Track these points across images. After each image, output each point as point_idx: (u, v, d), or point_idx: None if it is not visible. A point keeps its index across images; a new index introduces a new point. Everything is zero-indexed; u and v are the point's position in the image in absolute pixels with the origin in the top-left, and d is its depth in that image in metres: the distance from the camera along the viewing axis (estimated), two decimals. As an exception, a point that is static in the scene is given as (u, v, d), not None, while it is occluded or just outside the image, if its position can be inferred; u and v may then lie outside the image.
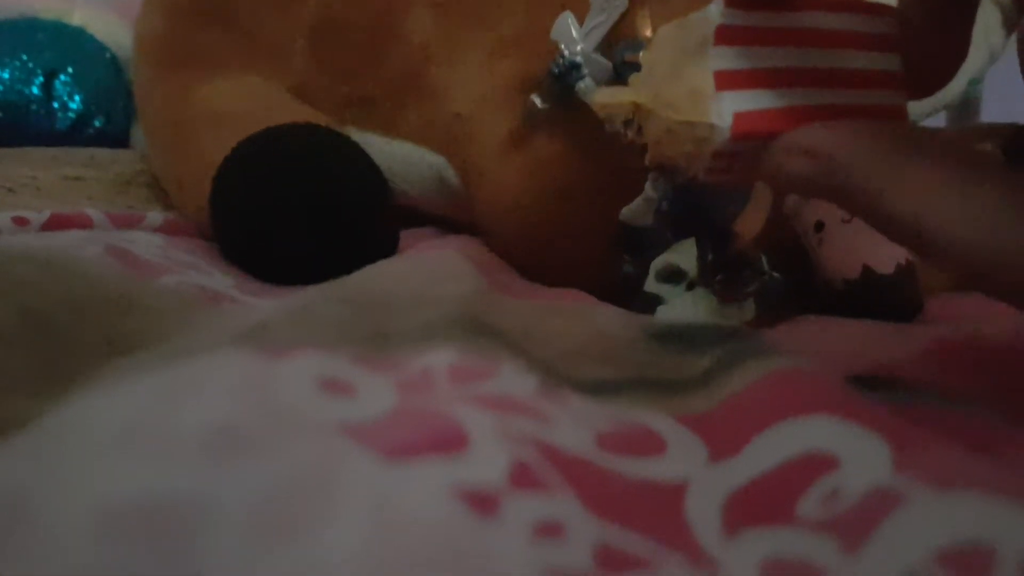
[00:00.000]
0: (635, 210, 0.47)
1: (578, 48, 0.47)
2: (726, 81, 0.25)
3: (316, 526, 0.16)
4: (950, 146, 0.24)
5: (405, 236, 0.56)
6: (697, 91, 0.25)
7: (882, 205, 0.23)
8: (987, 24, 0.54)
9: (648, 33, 0.44)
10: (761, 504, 0.21)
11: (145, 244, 0.42)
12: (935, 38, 0.28)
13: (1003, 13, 0.53)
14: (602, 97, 0.29)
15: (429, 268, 0.35)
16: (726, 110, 0.25)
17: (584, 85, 0.47)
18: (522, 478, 0.19)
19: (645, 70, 0.27)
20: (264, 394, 0.20)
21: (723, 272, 0.43)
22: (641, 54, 0.28)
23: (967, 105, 0.85)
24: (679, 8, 0.47)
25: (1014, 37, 0.55)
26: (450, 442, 0.20)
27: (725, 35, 0.25)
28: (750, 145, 0.25)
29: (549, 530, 0.18)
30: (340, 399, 0.21)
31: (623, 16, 0.47)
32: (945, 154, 0.23)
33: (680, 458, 0.23)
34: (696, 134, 0.26)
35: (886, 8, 0.27)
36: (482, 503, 0.18)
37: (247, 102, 0.57)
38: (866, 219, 0.24)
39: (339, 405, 0.21)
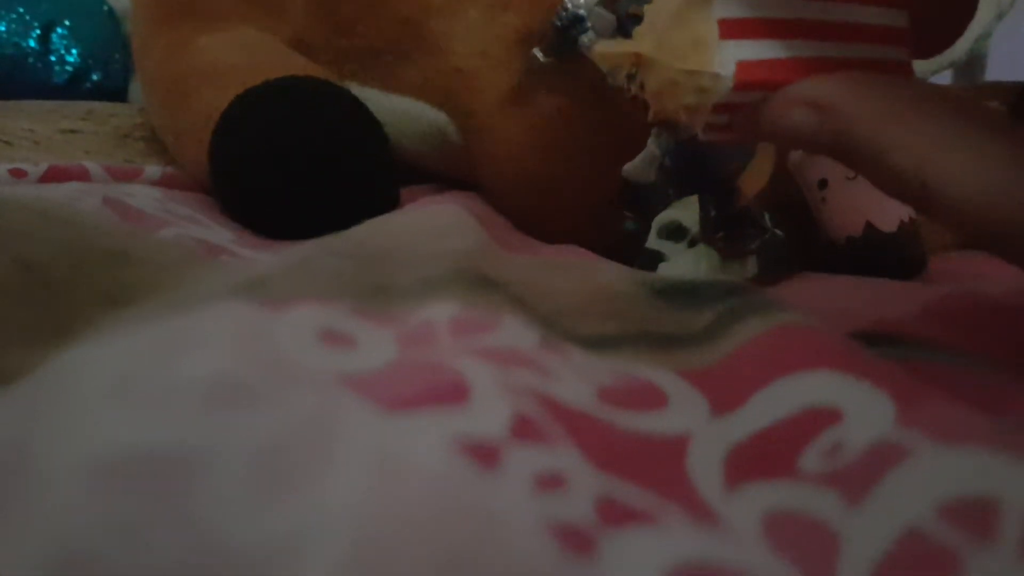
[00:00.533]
0: (637, 166, 0.46)
1: (581, 1, 0.47)
2: (730, 30, 0.25)
3: (316, 476, 0.16)
4: (956, 101, 0.23)
5: (406, 192, 0.55)
6: (700, 40, 0.25)
7: (885, 159, 0.23)
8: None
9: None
10: (763, 458, 0.21)
11: (143, 197, 0.42)
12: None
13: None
14: (603, 47, 0.28)
15: (430, 222, 0.35)
16: (729, 59, 0.24)
17: (588, 38, 0.47)
18: (524, 430, 0.19)
19: (647, 20, 0.27)
20: (263, 345, 0.20)
21: (725, 229, 0.43)
22: (645, 6, 0.27)
23: (973, 63, 0.85)
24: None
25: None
26: (451, 394, 0.19)
27: None
28: (751, 97, 0.25)
29: (551, 482, 0.18)
30: (340, 350, 0.21)
31: (627, -34, 0.46)
32: (950, 109, 0.23)
33: (682, 412, 0.23)
34: (699, 83, 0.25)
35: None
36: (484, 455, 0.18)
37: (246, 55, 0.56)
38: (868, 174, 0.24)
39: (339, 356, 0.21)
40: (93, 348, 0.20)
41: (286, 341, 0.21)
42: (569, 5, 0.47)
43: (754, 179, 0.43)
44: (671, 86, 0.26)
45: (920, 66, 0.56)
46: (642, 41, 0.27)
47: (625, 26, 0.44)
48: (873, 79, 0.24)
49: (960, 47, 0.55)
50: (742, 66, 0.24)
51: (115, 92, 0.85)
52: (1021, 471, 0.18)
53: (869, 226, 0.43)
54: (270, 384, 0.18)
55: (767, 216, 0.44)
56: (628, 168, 0.46)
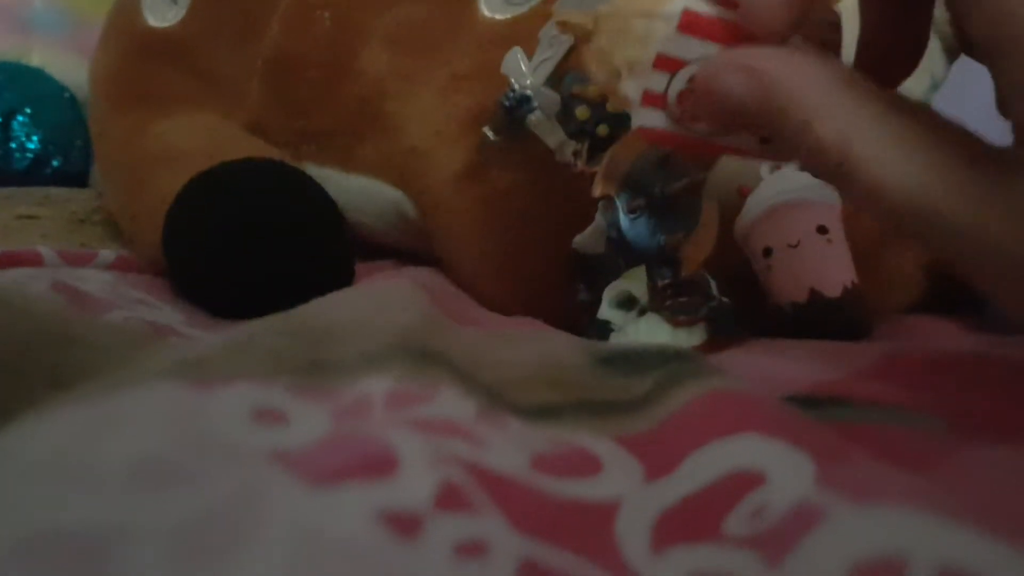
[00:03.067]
0: (587, 238, 0.47)
1: (528, 82, 0.48)
2: None
3: (237, 552, 0.16)
4: (888, 91, 0.24)
5: (364, 268, 0.56)
6: None
7: (809, 129, 0.23)
8: (928, 52, 0.55)
9: (593, 67, 0.45)
10: (690, 522, 0.21)
11: (95, 281, 0.42)
12: (890, 33, 0.28)
13: (943, 41, 0.54)
14: (563, 13, 0.29)
15: (376, 297, 0.36)
16: (678, 6, 0.25)
17: (535, 117, 0.48)
18: (448, 499, 0.19)
19: None
20: (193, 424, 0.20)
21: (673, 298, 0.43)
22: None
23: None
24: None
25: (955, 65, 0.57)
26: (379, 466, 0.20)
27: None
28: (691, 53, 0.25)
29: (471, 549, 0.18)
30: (272, 428, 0.21)
31: (569, 51, 0.47)
32: (881, 95, 0.23)
33: (615, 478, 0.23)
34: (646, 29, 0.26)
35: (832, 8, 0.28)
36: (405, 526, 0.18)
37: (202, 138, 0.57)
38: (789, 146, 0.24)
39: (271, 433, 0.21)
40: (27, 427, 0.20)
41: (217, 420, 0.21)
42: (516, 86, 0.48)
43: (698, 248, 0.44)
44: (619, 36, 0.26)
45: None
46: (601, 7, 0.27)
47: (568, 105, 0.46)
48: (811, 55, 0.24)
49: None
50: (688, 12, 0.25)
51: (76, 177, 0.85)
52: (933, 527, 0.18)
53: (813, 292, 0.44)
54: (196, 462, 0.19)
55: (713, 284, 0.44)
56: (578, 240, 0.47)
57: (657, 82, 0.26)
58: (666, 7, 0.25)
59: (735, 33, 0.25)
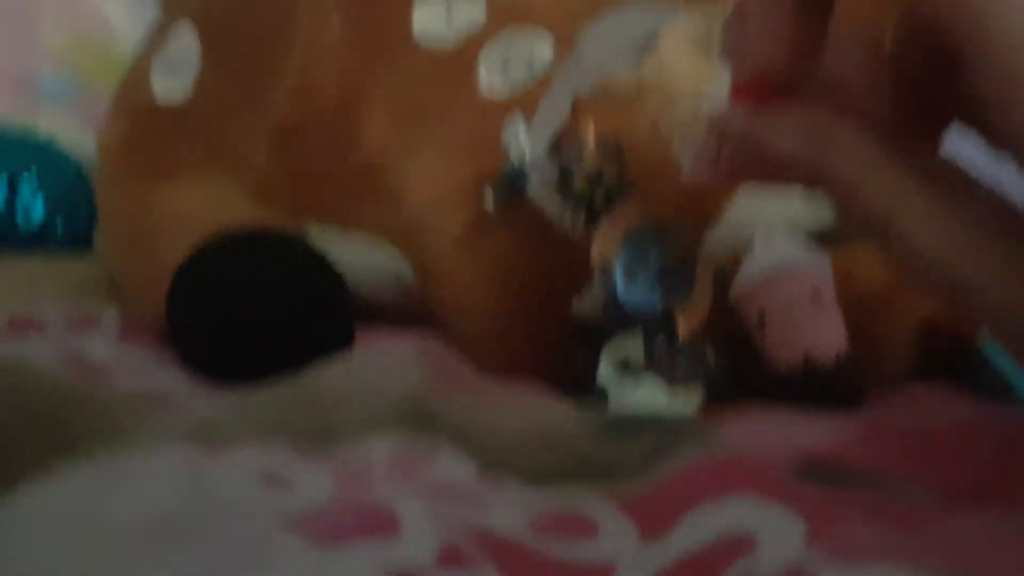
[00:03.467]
0: (585, 303, 0.48)
1: (527, 152, 0.49)
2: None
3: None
4: (935, 161, 0.24)
5: (364, 332, 0.57)
6: (698, 68, 0.26)
7: (859, 193, 0.23)
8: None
9: (591, 138, 0.46)
10: (685, 583, 0.22)
11: (99, 347, 0.43)
12: (918, 104, 0.27)
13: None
14: (611, 79, 0.29)
15: (376, 363, 0.36)
16: (725, 78, 0.25)
17: (534, 186, 0.49)
18: (450, 559, 0.20)
19: (653, 59, 0.28)
20: (203, 487, 0.21)
21: (670, 362, 0.44)
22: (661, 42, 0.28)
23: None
24: (618, 114, 0.49)
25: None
26: (381, 527, 0.20)
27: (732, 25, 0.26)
28: (745, 116, 0.26)
29: (472, 609, 0.18)
30: (278, 490, 0.22)
31: (568, 122, 0.49)
32: (928, 165, 0.24)
33: (611, 540, 0.24)
34: (695, 107, 0.27)
35: None
36: (408, 585, 0.18)
37: (206, 206, 0.58)
38: (840, 205, 0.24)
39: (277, 496, 0.21)
40: (39, 491, 0.20)
41: (226, 482, 0.21)
42: (516, 156, 0.49)
43: (693, 313, 0.44)
44: (669, 108, 0.27)
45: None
46: (646, 74, 0.28)
47: (567, 175, 0.47)
48: (859, 121, 0.24)
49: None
50: (737, 84, 0.25)
51: (81, 244, 0.86)
52: None
53: (808, 358, 0.45)
54: (207, 523, 0.19)
55: (709, 349, 0.45)
56: (576, 305, 0.48)
57: (710, 146, 0.27)
58: (712, 86, 0.25)
59: (785, 97, 0.25)
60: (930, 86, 0.26)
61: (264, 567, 0.18)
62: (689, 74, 0.26)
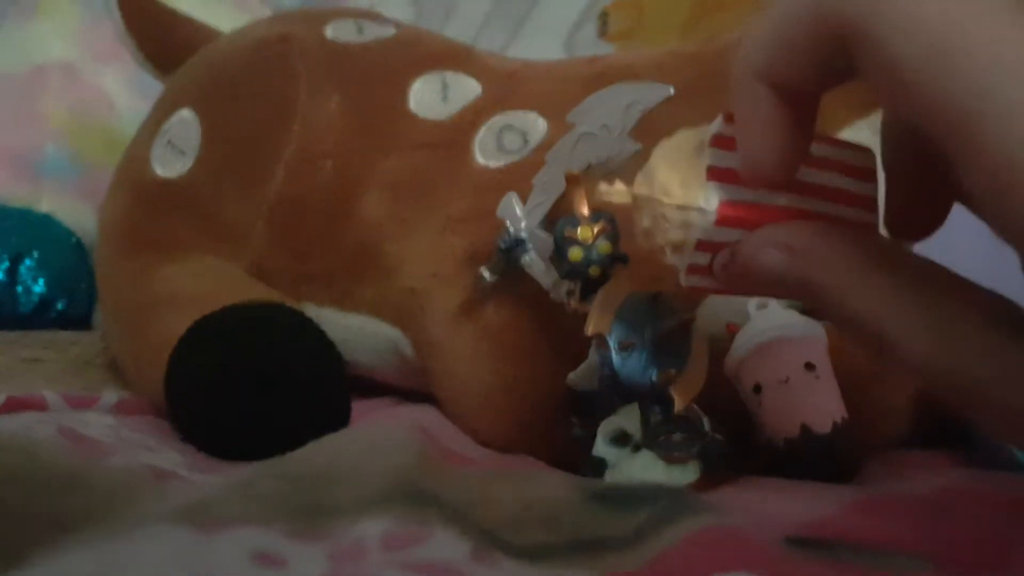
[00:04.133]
0: (581, 375, 0.48)
1: (522, 225, 0.50)
2: (717, 175, 0.27)
3: None
4: (916, 259, 0.25)
5: (362, 406, 0.57)
6: (688, 180, 0.27)
7: (847, 305, 0.24)
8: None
9: (584, 210, 0.47)
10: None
11: (97, 425, 0.43)
12: (916, 189, 0.28)
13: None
14: (605, 189, 0.30)
15: (371, 441, 0.36)
16: (714, 197, 0.27)
17: (529, 258, 0.50)
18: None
19: (645, 170, 0.29)
20: (198, 569, 0.21)
21: (666, 435, 0.44)
22: (653, 153, 0.29)
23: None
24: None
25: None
26: (375, 609, 0.20)
27: (720, 142, 0.27)
28: (731, 236, 0.27)
29: None
30: (271, 570, 0.22)
31: (562, 196, 0.49)
32: (911, 266, 0.24)
33: (606, 619, 0.24)
34: (684, 218, 0.27)
35: (866, 148, 0.29)
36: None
37: (205, 283, 0.58)
38: (830, 318, 0.25)
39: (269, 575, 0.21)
40: (37, 573, 0.20)
41: (219, 564, 0.21)
42: (511, 229, 0.50)
43: (689, 385, 0.45)
44: (660, 221, 0.28)
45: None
46: (636, 185, 0.29)
47: (561, 247, 0.47)
48: (843, 231, 0.25)
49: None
50: (724, 204, 0.26)
51: (80, 321, 0.87)
52: None
53: (804, 428, 0.45)
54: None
55: (706, 421, 0.45)
56: (572, 377, 0.48)
57: (701, 258, 0.28)
58: (702, 200, 0.27)
59: (770, 215, 0.27)
60: (921, 179, 0.27)
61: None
62: (679, 189, 0.28)
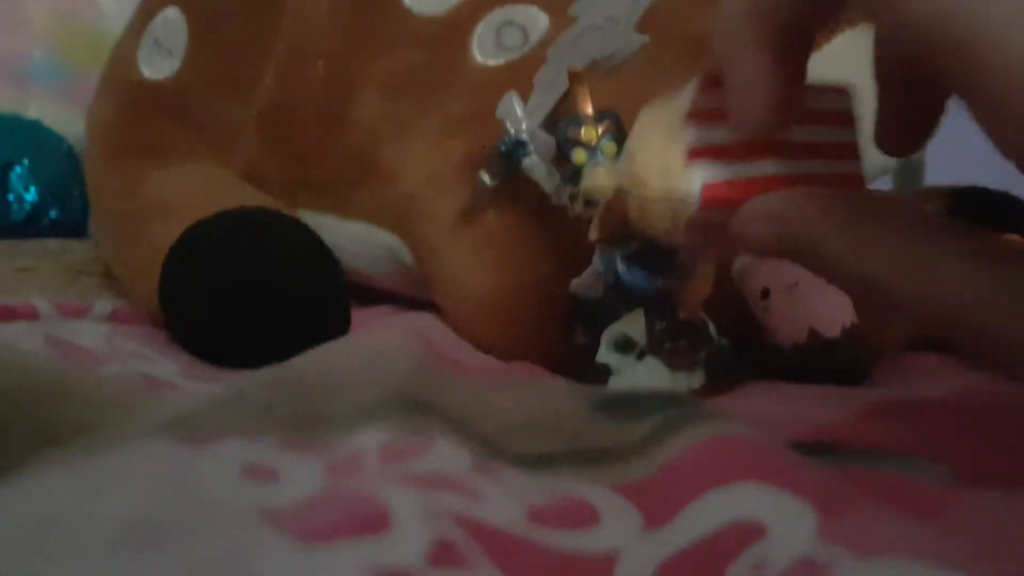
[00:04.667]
0: (584, 282, 0.47)
1: (523, 126, 0.48)
2: (696, 155, 0.27)
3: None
4: (900, 208, 0.25)
5: (361, 314, 0.56)
6: (669, 167, 0.27)
7: (836, 265, 0.24)
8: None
9: (588, 110, 0.45)
10: (690, 574, 0.21)
11: (90, 334, 0.42)
12: (907, 103, 0.28)
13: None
14: (588, 182, 0.30)
15: (370, 349, 0.35)
16: (696, 181, 0.26)
17: (530, 161, 0.48)
18: (442, 556, 0.19)
19: (624, 154, 0.29)
20: (183, 484, 0.20)
21: (672, 341, 0.43)
22: (627, 142, 0.29)
23: (910, 167, 0.87)
24: (616, 86, 0.48)
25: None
26: (371, 523, 0.19)
27: (694, 116, 0.27)
28: (719, 214, 0.27)
29: (465, 608, 0.18)
30: (262, 484, 0.21)
31: (564, 95, 0.47)
32: (895, 216, 0.24)
33: (613, 528, 0.23)
34: (670, 208, 0.27)
35: (841, 89, 0.29)
36: (398, 585, 0.17)
37: (197, 189, 0.57)
38: (825, 277, 0.25)
39: (260, 491, 0.20)
40: (16, 489, 0.20)
41: (207, 478, 0.20)
42: (512, 131, 0.48)
43: (695, 291, 0.43)
44: (647, 211, 0.28)
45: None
46: (619, 174, 0.29)
47: (564, 149, 0.46)
48: (822, 193, 0.26)
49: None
50: (707, 187, 0.26)
51: (74, 228, 0.85)
52: None
53: (812, 332, 0.44)
54: (187, 523, 0.18)
55: (712, 327, 0.44)
56: (576, 284, 0.47)
57: (695, 234, 0.28)
58: (684, 186, 0.27)
59: (755, 187, 0.26)
60: (912, 95, 0.27)
61: (248, 567, 0.17)
62: (659, 178, 0.27)
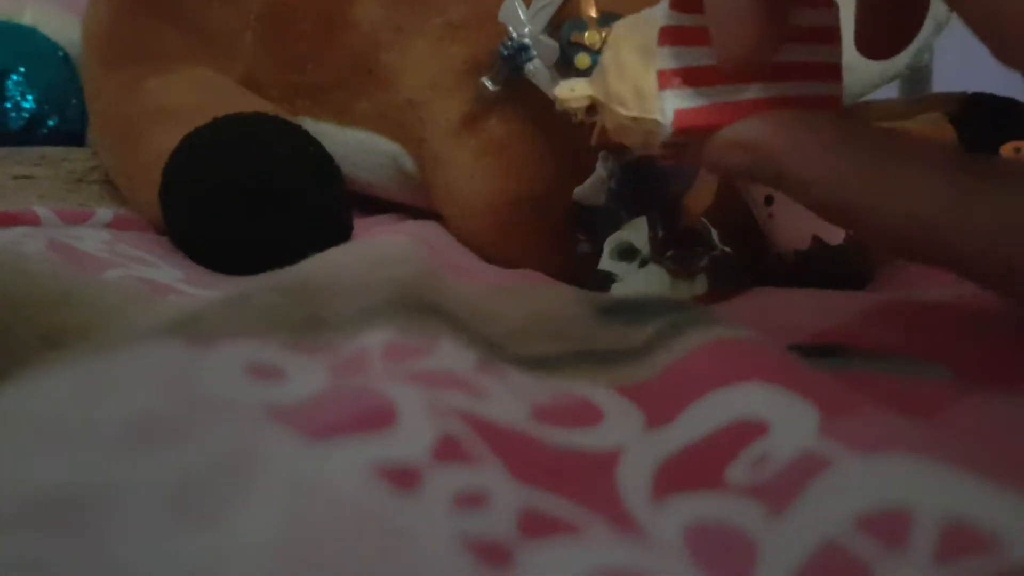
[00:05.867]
0: (587, 189, 0.47)
1: (526, 30, 0.47)
2: (668, 79, 0.26)
3: (231, 510, 0.16)
4: (875, 133, 0.25)
5: (363, 223, 0.56)
6: (641, 89, 0.27)
7: (811, 191, 0.25)
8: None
9: (592, 13, 0.44)
10: (692, 471, 0.21)
11: (92, 240, 0.42)
12: (888, 3, 0.28)
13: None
14: (561, 91, 0.31)
15: (374, 252, 0.35)
16: (668, 107, 0.26)
17: (533, 66, 0.48)
18: (447, 451, 0.19)
19: (599, 68, 0.29)
20: (187, 383, 0.20)
21: (674, 248, 0.43)
22: (601, 56, 0.29)
23: (918, 74, 0.86)
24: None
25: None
26: (376, 420, 0.19)
27: (668, 35, 0.26)
28: (693, 140, 0.27)
29: (471, 500, 0.18)
30: (267, 383, 0.21)
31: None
32: (869, 141, 0.24)
33: (616, 427, 0.23)
34: (644, 128, 0.27)
35: (825, 1, 0.28)
36: (402, 478, 0.18)
37: (196, 94, 0.56)
38: (801, 201, 0.26)
39: (266, 389, 0.21)
40: (19, 390, 0.20)
41: (212, 377, 0.21)
42: (514, 34, 0.47)
43: (699, 198, 0.43)
44: (622, 128, 0.28)
45: (865, 80, 0.57)
46: (595, 86, 0.28)
47: (567, 53, 0.45)
48: (795, 117, 0.26)
49: (900, 60, 0.55)
50: (680, 114, 0.26)
51: (73, 137, 0.84)
52: (939, 477, 0.18)
53: (815, 239, 0.44)
54: (191, 419, 0.18)
55: (715, 234, 0.44)
56: (579, 191, 0.47)
57: (668, 151, 0.28)
58: (656, 110, 0.27)
59: (728, 112, 0.26)
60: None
61: (254, 463, 0.17)
62: (633, 98, 0.27)
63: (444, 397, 0.22)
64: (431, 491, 0.18)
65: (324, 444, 0.18)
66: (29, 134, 0.82)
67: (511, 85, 0.49)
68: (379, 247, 0.38)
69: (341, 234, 0.51)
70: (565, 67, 0.46)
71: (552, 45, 0.46)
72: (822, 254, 0.44)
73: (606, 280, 0.45)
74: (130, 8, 0.62)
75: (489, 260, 0.52)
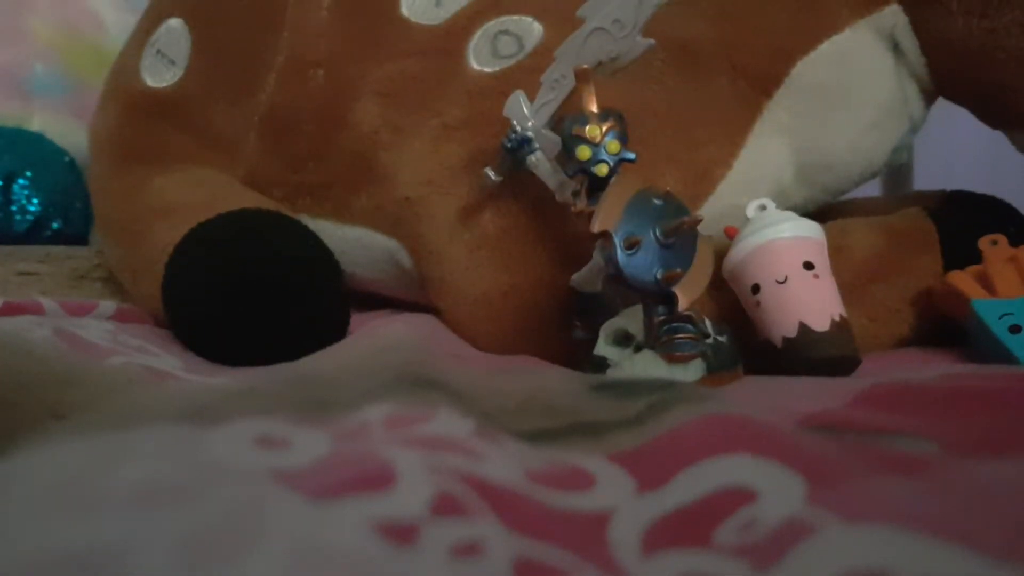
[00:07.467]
0: (584, 276, 0.48)
1: (529, 124, 0.49)
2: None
3: (239, 562, 0.17)
4: None
5: (360, 318, 0.56)
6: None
7: None
8: (906, 95, 0.56)
9: (593, 108, 0.46)
10: (681, 530, 0.21)
11: (95, 329, 0.43)
12: None
13: (920, 84, 0.55)
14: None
15: (373, 343, 0.36)
16: None
17: (535, 158, 0.49)
18: (444, 507, 0.19)
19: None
20: (196, 452, 0.21)
21: (669, 334, 0.44)
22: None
23: (898, 172, 0.88)
24: (621, 85, 0.49)
25: (933, 108, 0.58)
26: (377, 480, 0.20)
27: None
28: None
29: (467, 550, 0.18)
30: (274, 452, 0.22)
31: (570, 95, 0.48)
32: None
33: (608, 491, 0.24)
34: None
35: None
36: (401, 533, 0.18)
37: (199, 192, 0.58)
38: None
39: (272, 456, 0.21)
40: (34, 456, 0.20)
41: (219, 448, 0.21)
42: (518, 128, 0.49)
43: (694, 284, 0.44)
44: None
45: (846, 177, 0.58)
46: None
47: (569, 146, 0.46)
48: None
49: (879, 159, 0.57)
50: None
51: (76, 239, 0.86)
52: (919, 544, 0.19)
53: (802, 326, 0.45)
54: (198, 482, 0.19)
55: (708, 322, 0.45)
56: (575, 278, 0.48)
57: None
58: None
59: None
60: None
61: (259, 521, 0.18)
62: None
63: (442, 459, 0.22)
64: (429, 544, 0.18)
65: (326, 503, 0.19)
66: (33, 236, 0.84)
67: (513, 175, 0.51)
68: (378, 337, 0.39)
69: (338, 328, 0.52)
70: (566, 158, 0.47)
71: (554, 138, 0.48)
72: (809, 340, 0.45)
73: (601, 365, 0.45)
74: (137, 112, 0.64)
75: (484, 349, 0.53)
